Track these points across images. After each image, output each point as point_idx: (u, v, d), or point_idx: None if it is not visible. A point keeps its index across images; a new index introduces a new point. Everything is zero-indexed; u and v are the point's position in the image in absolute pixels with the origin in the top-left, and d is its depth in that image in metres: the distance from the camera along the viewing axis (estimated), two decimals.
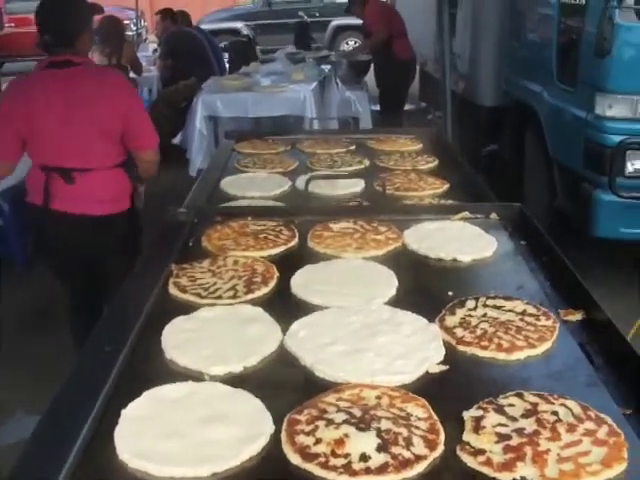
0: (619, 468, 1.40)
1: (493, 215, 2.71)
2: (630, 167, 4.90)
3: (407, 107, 10.56)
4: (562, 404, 1.57)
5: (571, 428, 1.49)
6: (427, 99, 11.01)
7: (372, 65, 10.07)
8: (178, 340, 1.89)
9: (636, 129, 4.89)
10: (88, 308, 3.91)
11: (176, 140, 7.40)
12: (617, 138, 4.85)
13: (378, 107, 10.07)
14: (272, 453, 1.48)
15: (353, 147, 4.13)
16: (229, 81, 7.52)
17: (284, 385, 1.73)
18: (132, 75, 9.27)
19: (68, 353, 4.74)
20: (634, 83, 4.89)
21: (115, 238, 3.73)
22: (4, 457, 3.92)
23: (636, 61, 4.90)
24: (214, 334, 1.92)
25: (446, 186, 3.30)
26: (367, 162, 3.78)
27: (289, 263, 2.36)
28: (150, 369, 1.80)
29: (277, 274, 2.27)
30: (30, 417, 4.21)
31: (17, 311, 5.77)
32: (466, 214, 2.71)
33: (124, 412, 1.59)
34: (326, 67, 8.84)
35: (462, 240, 2.47)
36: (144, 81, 8.91)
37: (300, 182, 3.34)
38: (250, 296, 2.14)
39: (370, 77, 10.33)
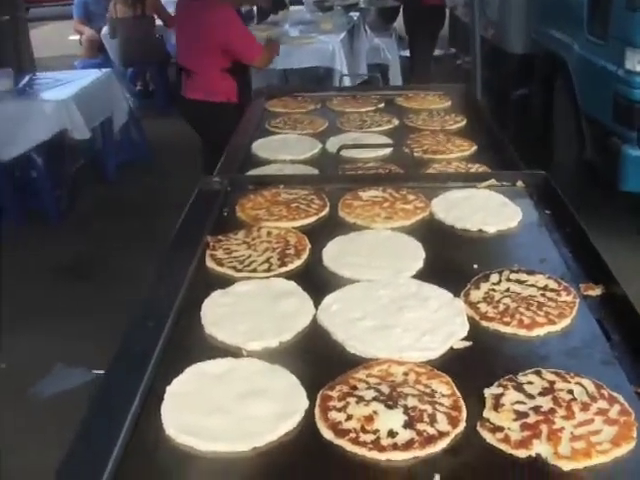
0: (628, 447, 1.49)
1: (519, 183, 2.76)
2: None
3: (436, 52, 10.52)
4: (578, 382, 1.66)
5: (585, 407, 1.59)
6: (457, 44, 10.95)
7: (401, 11, 10.01)
8: (216, 315, 1.99)
9: None
10: None
11: None
12: None
13: (407, 53, 10.03)
14: (307, 428, 1.59)
15: (382, 105, 4.19)
16: (258, 32, 7.53)
17: (317, 360, 1.83)
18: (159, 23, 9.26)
19: (101, 306, 4.91)
20: None
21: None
22: (46, 409, 4.12)
23: None
24: (250, 309, 2.02)
25: (474, 148, 3.37)
26: (396, 121, 3.84)
27: (321, 233, 2.45)
28: (191, 345, 1.91)
29: (309, 246, 2.36)
30: (68, 369, 4.36)
31: (49, 265, 5.88)
32: (492, 182, 2.77)
33: (169, 388, 1.70)
34: (354, 14, 8.81)
35: (488, 210, 2.53)
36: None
37: (330, 145, 3.41)
38: (284, 269, 2.23)
39: (399, 23, 10.28)
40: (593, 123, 5.54)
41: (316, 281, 2.17)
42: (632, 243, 5.30)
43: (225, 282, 2.18)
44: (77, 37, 11.01)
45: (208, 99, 5.48)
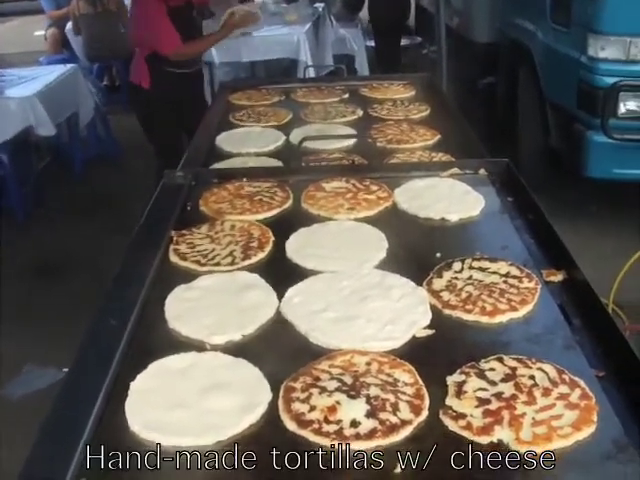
0: (588, 430, 1.50)
1: (482, 171, 2.78)
2: (623, 108, 4.95)
3: (403, 42, 10.53)
4: (539, 368, 1.67)
5: (546, 392, 1.60)
6: (423, 34, 10.97)
7: (366, 1, 10.01)
8: (179, 310, 1.99)
9: (628, 71, 4.93)
10: None
11: None
12: (610, 80, 4.89)
13: (373, 43, 10.04)
14: (270, 420, 1.60)
15: (346, 95, 4.20)
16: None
17: (280, 352, 1.83)
18: None
19: (71, 304, 4.87)
20: (627, 25, 4.91)
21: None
22: (17, 409, 4.08)
23: (629, 2, 4.91)
24: (213, 302, 2.02)
25: (437, 137, 3.39)
26: (360, 112, 3.85)
27: (284, 226, 2.45)
28: (155, 340, 1.90)
29: (273, 238, 2.36)
30: (39, 369, 4.32)
31: (18, 264, 5.83)
32: (455, 170, 2.78)
33: (133, 385, 1.70)
34: (320, 5, 8.79)
35: (450, 199, 2.55)
36: None
37: (294, 137, 3.41)
38: (247, 262, 2.23)
39: (364, 13, 10.28)
40: (557, 110, 5.58)
41: (280, 273, 2.16)
42: (596, 228, 5.34)
43: (189, 276, 2.18)
44: (42, 32, 10.91)
45: (131, 80, 5.59)
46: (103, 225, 6.29)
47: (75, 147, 7.70)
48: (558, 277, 2.06)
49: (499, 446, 1.49)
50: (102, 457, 1.52)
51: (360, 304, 1.96)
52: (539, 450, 1.46)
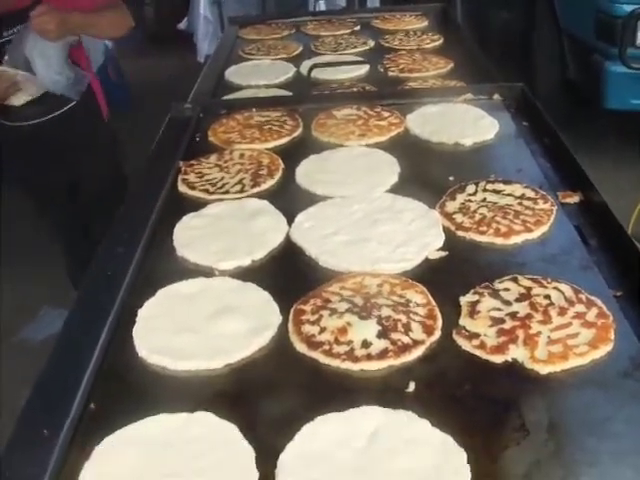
0: (605, 349, 1.47)
1: (496, 96, 2.72)
2: None
3: None
4: (555, 287, 1.63)
5: (562, 311, 1.56)
6: None
7: None
8: (188, 237, 1.96)
9: None
10: None
11: (182, 25, 7.29)
12: (628, 8, 4.74)
13: None
14: (280, 343, 1.57)
15: (358, 28, 4.12)
16: None
17: (291, 276, 1.80)
18: None
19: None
20: None
21: None
22: (40, 353, 4.06)
23: None
24: (222, 229, 1.99)
25: (450, 65, 3.31)
26: (372, 43, 3.77)
27: (294, 153, 2.41)
28: (163, 268, 1.87)
29: (282, 166, 2.32)
30: (55, 311, 4.30)
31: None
32: (469, 96, 2.72)
33: (140, 311, 1.67)
34: None
35: (464, 123, 2.49)
36: None
37: (304, 68, 3.34)
38: (257, 189, 2.19)
39: None
40: (575, 42, 5.47)
41: (289, 200, 2.13)
42: (614, 162, 5.26)
43: (198, 205, 2.14)
44: None
45: None
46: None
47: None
48: (574, 199, 2.01)
49: (514, 365, 1.45)
50: (110, 382, 1.50)
51: (371, 227, 1.91)
52: (555, 369, 1.43)
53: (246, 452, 1.30)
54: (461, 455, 1.25)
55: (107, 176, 3.74)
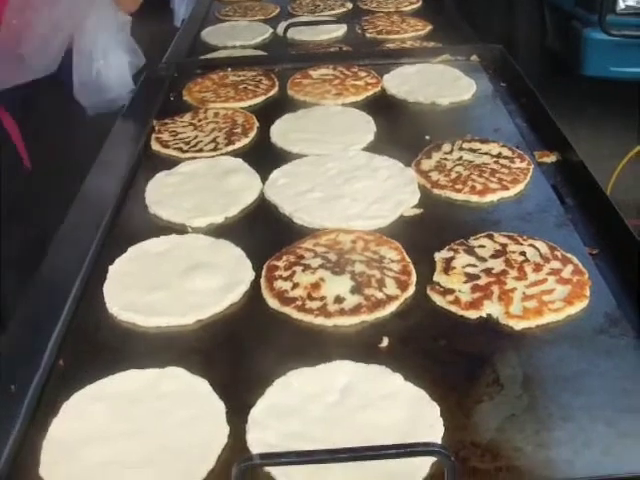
0: (580, 305, 1.46)
1: (474, 57, 2.70)
2: (621, 4, 4.83)
3: None
4: (531, 245, 1.62)
5: (537, 268, 1.55)
6: None
7: None
8: (161, 195, 1.93)
9: None
10: None
11: None
12: None
13: None
14: (253, 299, 1.55)
15: None
16: None
17: (264, 233, 1.78)
18: None
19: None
20: None
21: None
22: None
23: None
24: (196, 187, 1.96)
25: (428, 28, 3.28)
26: (350, 5, 3.73)
27: (269, 113, 2.37)
28: (135, 225, 1.85)
29: (257, 124, 2.29)
30: None
31: None
32: (446, 57, 2.69)
33: (111, 268, 1.64)
34: None
35: (441, 83, 2.47)
36: None
37: (281, 29, 3.30)
38: (231, 147, 2.16)
39: None
40: (555, 10, 5.45)
41: (264, 158, 2.10)
42: (594, 130, 5.26)
43: (171, 164, 2.11)
44: None
45: None
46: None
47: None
48: (551, 158, 2.00)
49: (488, 321, 1.44)
50: (80, 339, 1.48)
51: (346, 185, 1.89)
52: (530, 324, 1.42)
53: (217, 407, 1.28)
54: (434, 409, 1.24)
55: None
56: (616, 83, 5.25)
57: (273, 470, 1.13)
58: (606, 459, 1.15)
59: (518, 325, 1.42)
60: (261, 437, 1.20)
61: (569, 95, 5.53)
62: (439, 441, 1.18)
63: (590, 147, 4.72)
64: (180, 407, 1.29)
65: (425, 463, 1.13)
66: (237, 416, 1.26)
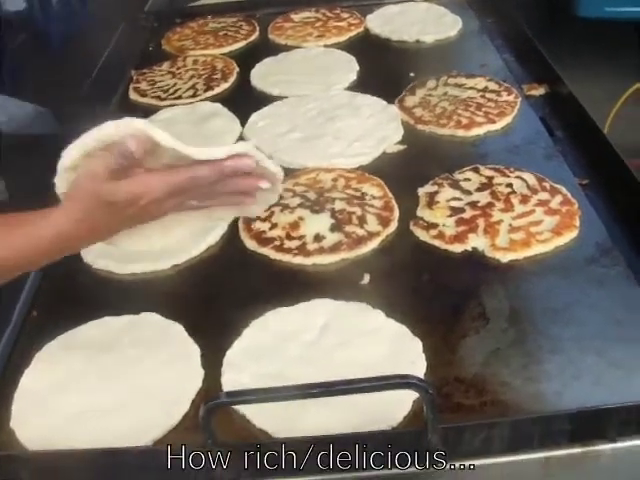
0: (570, 236, 1.40)
1: None
2: None
3: None
4: (518, 176, 1.56)
5: (525, 199, 1.49)
6: None
7: None
8: None
9: None
10: None
11: None
12: None
13: None
14: (230, 242, 1.51)
15: None
16: None
17: None
18: None
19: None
20: None
21: None
22: None
23: None
24: (175, 134, 1.88)
25: None
26: None
27: (250, 57, 2.31)
28: None
29: (237, 69, 2.22)
30: None
31: None
32: None
33: None
34: None
35: (425, 21, 2.40)
36: None
37: None
38: (210, 93, 2.11)
39: None
40: None
41: (244, 102, 2.03)
42: (589, 73, 5.15)
43: (150, 113, 2.05)
44: None
45: None
46: None
47: (49, 22, 7.40)
48: (540, 91, 1.94)
49: (474, 254, 1.39)
50: (54, 289, 1.45)
51: (327, 124, 1.84)
52: (517, 256, 1.37)
53: (191, 351, 1.24)
54: (417, 344, 1.19)
55: None
56: (611, 24, 5.15)
57: (246, 412, 1.09)
58: (596, 390, 1.11)
59: (505, 257, 1.36)
60: (236, 378, 1.16)
61: (563, 37, 5.43)
62: (421, 377, 1.13)
63: (586, 90, 4.65)
64: (155, 352, 1.25)
65: (406, 400, 1.09)
66: (213, 359, 1.22)
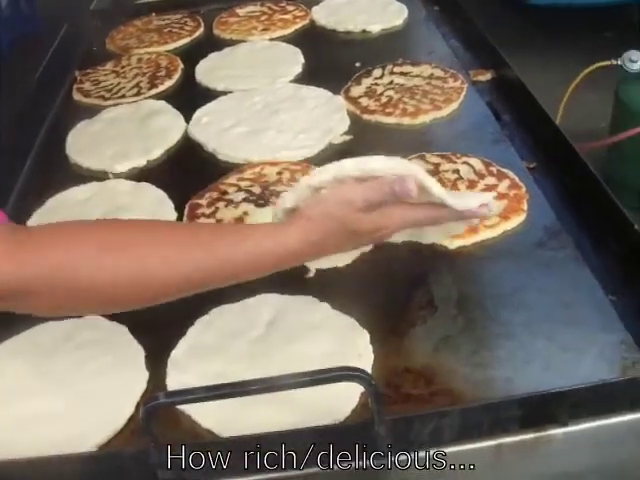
0: (517, 220, 1.39)
1: None
2: None
3: None
4: (464, 162, 1.55)
5: (471, 184, 1.48)
6: None
7: None
8: (82, 144, 1.85)
9: None
10: None
11: None
12: None
13: None
14: None
15: None
16: None
17: (189, 173, 1.70)
18: None
19: None
20: None
21: None
22: None
23: None
24: (118, 133, 1.87)
25: None
26: None
27: (195, 54, 2.27)
28: (55, 176, 1.75)
29: (181, 66, 2.19)
30: None
31: None
32: None
33: (29, 222, 1.56)
34: None
35: (371, 11, 2.38)
36: None
37: None
38: (154, 91, 2.07)
39: None
40: None
41: (189, 99, 2.00)
42: (543, 60, 5.18)
43: (94, 113, 2.01)
44: None
45: None
46: None
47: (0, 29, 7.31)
48: (486, 76, 1.94)
49: (421, 242, 1.36)
50: None
51: (272, 117, 1.81)
52: (464, 242, 1.35)
53: (136, 353, 1.21)
54: (364, 336, 1.18)
55: None
56: (563, 10, 5.17)
57: (191, 412, 1.07)
58: (547, 374, 1.10)
59: (452, 244, 1.35)
60: (181, 379, 1.13)
61: (515, 26, 5.45)
62: (369, 369, 1.11)
63: (541, 78, 4.65)
64: (99, 355, 1.22)
65: (354, 393, 1.06)
66: (158, 360, 1.19)
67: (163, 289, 0.98)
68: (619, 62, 3.14)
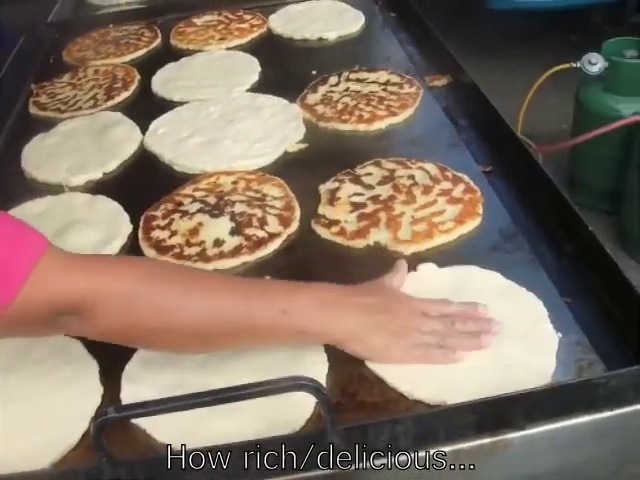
0: (473, 224, 1.39)
1: None
2: None
3: None
4: (420, 167, 1.55)
5: (427, 190, 1.48)
6: None
7: None
8: (37, 158, 1.83)
9: None
10: None
11: None
12: None
13: None
14: (131, 252, 1.46)
15: None
16: None
17: (145, 185, 1.68)
18: None
19: None
20: None
21: None
22: None
23: None
24: (74, 146, 1.86)
25: None
26: None
27: (152, 65, 2.26)
28: (10, 191, 1.74)
29: (138, 77, 2.18)
30: None
31: None
32: None
33: None
34: None
35: (328, 18, 2.39)
36: None
37: None
38: (110, 102, 2.06)
39: None
40: None
41: (145, 110, 1.99)
42: (507, 66, 5.20)
43: (50, 126, 1.99)
44: None
45: None
46: None
47: None
48: (442, 81, 1.94)
49: (376, 249, 1.37)
50: None
51: (228, 127, 1.81)
52: (419, 248, 1.35)
53: (90, 367, 1.20)
54: (318, 344, 1.16)
55: None
56: (524, 14, 5.20)
57: (146, 426, 1.06)
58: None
59: (407, 250, 1.35)
60: (135, 392, 1.12)
61: (477, 32, 5.47)
62: (323, 378, 1.11)
63: (506, 82, 4.68)
64: (53, 371, 1.21)
65: (308, 403, 1.06)
66: (113, 373, 1.18)
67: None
68: (579, 65, 3.16)
